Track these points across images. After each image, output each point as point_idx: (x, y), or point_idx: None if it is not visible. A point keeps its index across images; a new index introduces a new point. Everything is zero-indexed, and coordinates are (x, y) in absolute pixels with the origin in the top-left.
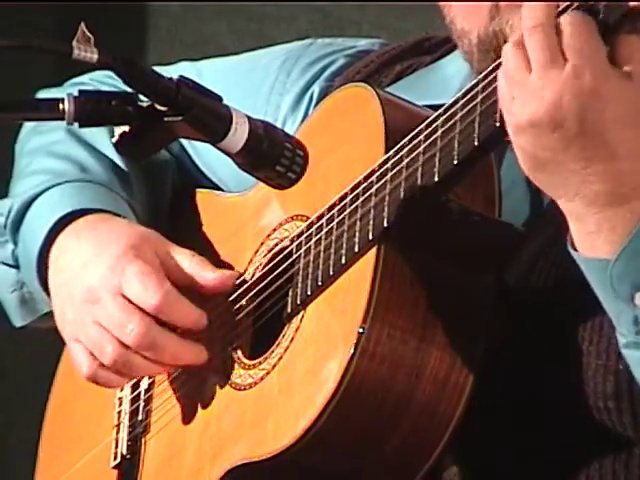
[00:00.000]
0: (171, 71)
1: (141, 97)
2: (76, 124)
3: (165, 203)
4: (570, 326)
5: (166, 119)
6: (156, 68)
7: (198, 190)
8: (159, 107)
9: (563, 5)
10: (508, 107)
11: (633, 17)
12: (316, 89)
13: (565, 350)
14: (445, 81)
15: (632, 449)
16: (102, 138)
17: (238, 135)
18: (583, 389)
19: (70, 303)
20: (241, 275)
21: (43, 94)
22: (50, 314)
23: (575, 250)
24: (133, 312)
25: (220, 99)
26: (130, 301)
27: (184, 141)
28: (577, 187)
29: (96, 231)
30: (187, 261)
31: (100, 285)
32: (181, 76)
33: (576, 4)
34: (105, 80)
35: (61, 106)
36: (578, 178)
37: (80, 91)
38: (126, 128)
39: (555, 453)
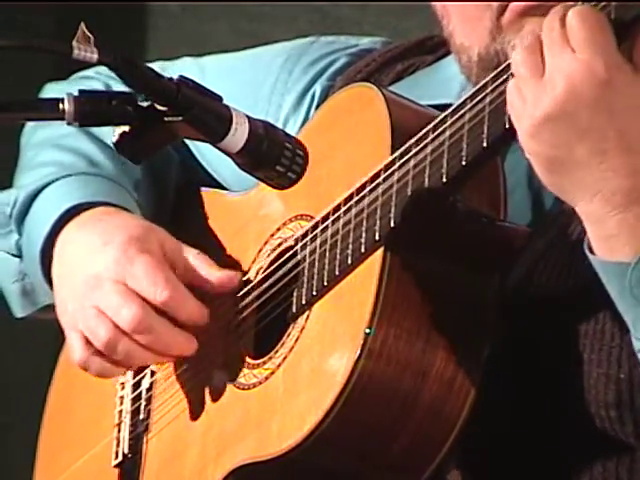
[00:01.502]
0: (173, 67)
1: (141, 97)
2: (76, 124)
3: (169, 200)
4: (571, 334)
5: (166, 119)
6: (159, 63)
7: (202, 189)
8: (159, 107)
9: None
10: (519, 111)
11: None
12: (318, 88)
13: (566, 358)
14: (446, 81)
15: (635, 453)
16: (110, 131)
17: (238, 135)
18: (584, 397)
19: (72, 294)
20: (245, 274)
21: (50, 87)
22: (51, 306)
23: (593, 254)
24: (132, 296)
25: (220, 99)
26: (128, 287)
27: (188, 140)
28: (594, 186)
29: (102, 223)
30: (192, 258)
31: (103, 273)
32: (181, 76)
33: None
34: (111, 74)
35: (61, 106)
36: (595, 176)
37: (80, 91)
38: (126, 128)
39: (557, 458)
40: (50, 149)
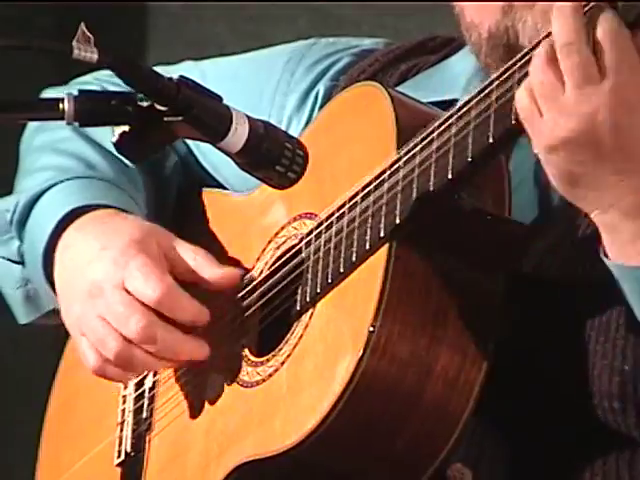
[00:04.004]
0: (174, 71)
1: (141, 97)
2: (76, 124)
3: (170, 202)
4: (576, 326)
5: (166, 119)
6: (159, 68)
7: (204, 189)
8: (159, 107)
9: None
10: (536, 125)
11: None
12: (321, 88)
13: (571, 349)
14: (452, 78)
15: (636, 447)
16: (108, 135)
17: (238, 135)
18: (589, 389)
19: (75, 298)
20: (249, 272)
21: (48, 93)
22: (54, 311)
23: (608, 258)
24: (135, 306)
25: (220, 99)
26: (132, 295)
27: (189, 140)
28: (611, 199)
29: (102, 226)
30: (191, 256)
31: (104, 279)
32: (181, 76)
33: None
34: (109, 79)
35: (61, 106)
36: (613, 191)
37: (80, 91)
38: (126, 128)
39: (559, 451)
40: (49, 153)
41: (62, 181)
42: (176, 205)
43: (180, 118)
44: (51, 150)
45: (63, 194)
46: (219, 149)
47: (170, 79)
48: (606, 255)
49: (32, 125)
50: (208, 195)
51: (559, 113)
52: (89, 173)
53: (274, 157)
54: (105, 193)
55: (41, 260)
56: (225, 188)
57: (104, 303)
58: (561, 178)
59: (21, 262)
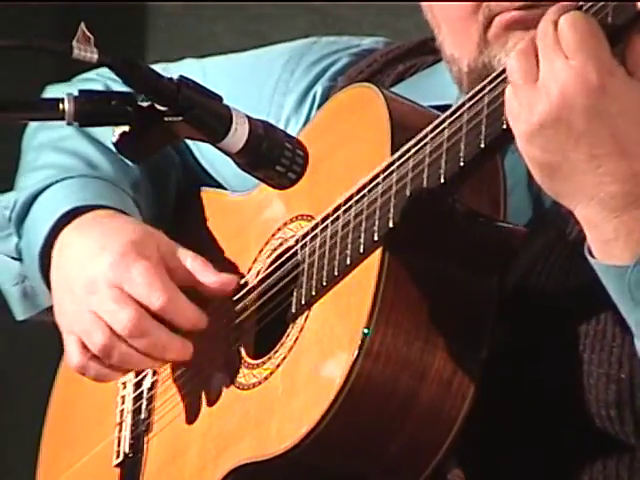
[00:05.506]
0: (175, 68)
1: (141, 97)
2: (76, 124)
3: (170, 201)
4: (571, 334)
5: (166, 119)
6: (159, 66)
7: (203, 189)
8: (159, 107)
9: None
10: (516, 115)
11: None
12: (319, 88)
13: (567, 358)
14: (447, 82)
15: (635, 452)
16: (110, 134)
17: (238, 135)
18: (585, 397)
19: (69, 297)
20: (245, 275)
21: (51, 89)
22: (52, 308)
23: (592, 256)
24: (128, 301)
25: (220, 99)
26: (126, 293)
27: (188, 140)
28: (592, 191)
29: (100, 227)
30: (189, 262)
31: (99, 277)
32: (181, 76)
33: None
34: (112, 75)
35: (61, 106)
36: (592, 180)
37: (80, 91)
38: (126, 128)
39: (557, 457)
40: (50, 151)
41: (62, 179)
42: (175, 205)
43: (180, 118)
44: (52, 148)
45: (63, 192)
46: (219, 149)
47: (170, 79)
48: (591, 254)
49: (34, 122)
50: (206, 195)
51: (532, 97)
52: (90, 172)
53: (274, 157)
54: (105, 193)
55: (38, 258)
56: (224, 188)
57: (97, 299)
58: (540, 171)
59: (19, 259)
